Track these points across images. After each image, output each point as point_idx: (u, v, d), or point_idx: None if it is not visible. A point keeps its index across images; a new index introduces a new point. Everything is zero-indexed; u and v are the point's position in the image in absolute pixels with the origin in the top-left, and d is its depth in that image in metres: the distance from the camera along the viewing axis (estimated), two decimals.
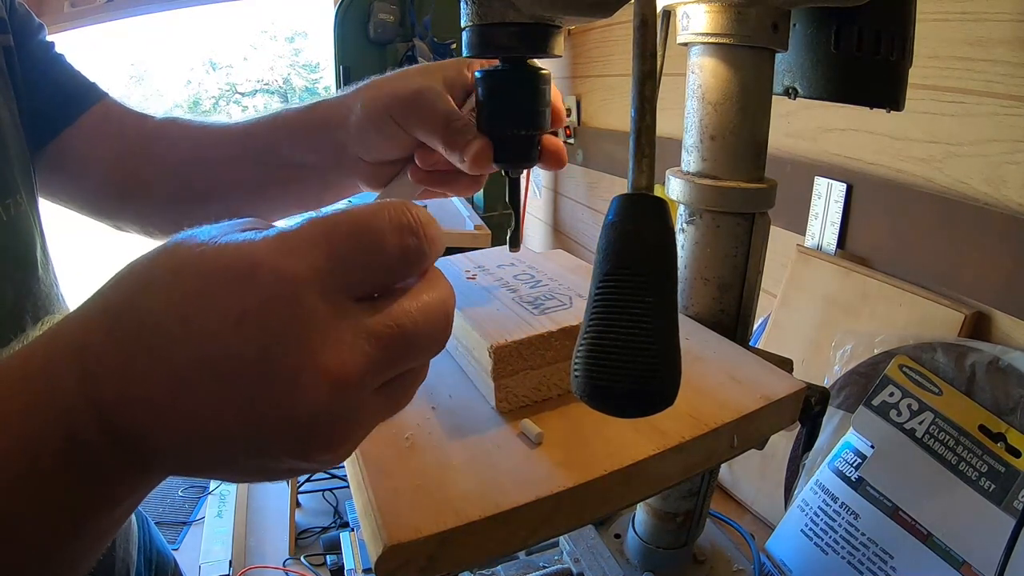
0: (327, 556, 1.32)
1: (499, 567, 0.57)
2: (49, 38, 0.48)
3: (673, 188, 0.44)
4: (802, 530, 0.58)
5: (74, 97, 0.48)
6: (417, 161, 0.41)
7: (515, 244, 0.44)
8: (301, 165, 0.45)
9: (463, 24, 0.36)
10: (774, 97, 0.42)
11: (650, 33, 0.24)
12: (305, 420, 0.19)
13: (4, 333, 0.37)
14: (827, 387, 0.49)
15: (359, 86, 0.43)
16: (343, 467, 0.30)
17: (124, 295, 0.20)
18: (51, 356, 0.19)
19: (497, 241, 1.45)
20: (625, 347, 0.22)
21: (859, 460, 0.56)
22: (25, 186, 0.41)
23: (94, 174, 0.48)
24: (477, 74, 0.37)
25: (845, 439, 0.58)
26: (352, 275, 0.20)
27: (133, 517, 0.52)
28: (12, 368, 0.19)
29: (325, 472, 1.72)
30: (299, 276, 0.19)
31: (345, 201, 0.47)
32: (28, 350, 0.20)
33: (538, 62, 0.37)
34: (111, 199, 0.50)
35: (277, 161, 0.46)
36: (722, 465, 0.61)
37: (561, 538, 0.58)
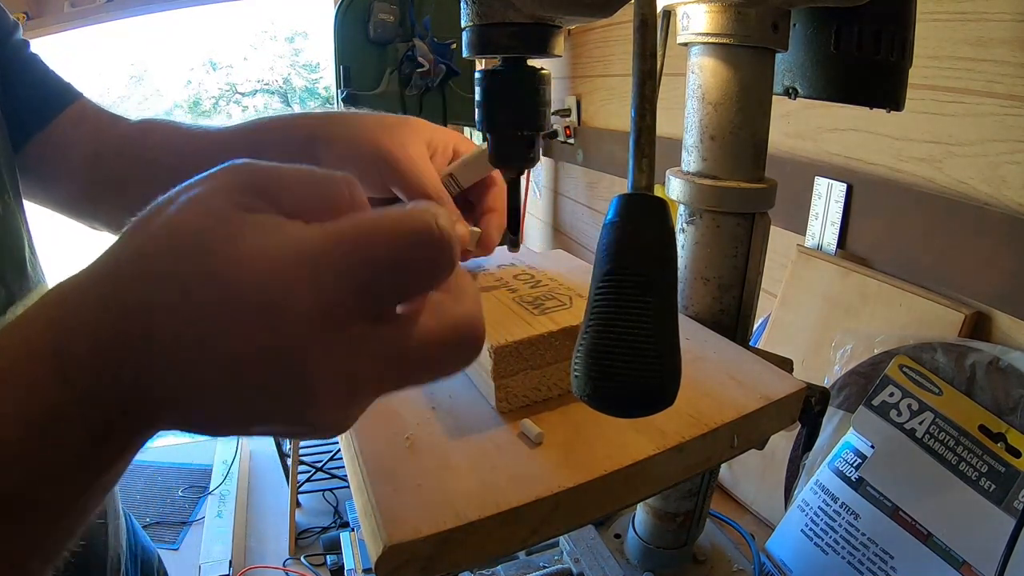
0: (327, 556, 1.32)
1: (499, 567, 0.57)
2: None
3: (673, 188, 0.44)
4: (802, 530, 0.58)
5: (50, 98, 0.47)
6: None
7: (515, 244, 0.44)
8: None
9: (463, 24, 0.36)
10: (774, 97, 0.42)
11: (650, 33, 0.24)
12: (315, 424, 0.20)
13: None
14: (827, 387, 0.49)
15: (346, 115, 0.43)
16: (343, 467, 0.30)
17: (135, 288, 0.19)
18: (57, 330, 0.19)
19: None
20: (625, 347, 0.22)
21: (859, 460, 0.56)
22: (12, 185, 0.41)
23: (70, 174, 0.48)
24: (477, 74, 0.37)
25: (845, 439, 0.58)
26: (378, 294, 0.19)
27: (121, 513, 0.52)
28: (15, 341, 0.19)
29: (325, 472, 1.72)
30: (328, 305, 0.18)
31: None
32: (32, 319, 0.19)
33: (538, 62, 0.37)
34: (86, 198, 0.49)
35: None
36: (722, 465, 0.61)
37: (561, 538, 0.58)
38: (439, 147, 0.43)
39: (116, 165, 0.48)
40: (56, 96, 0.48)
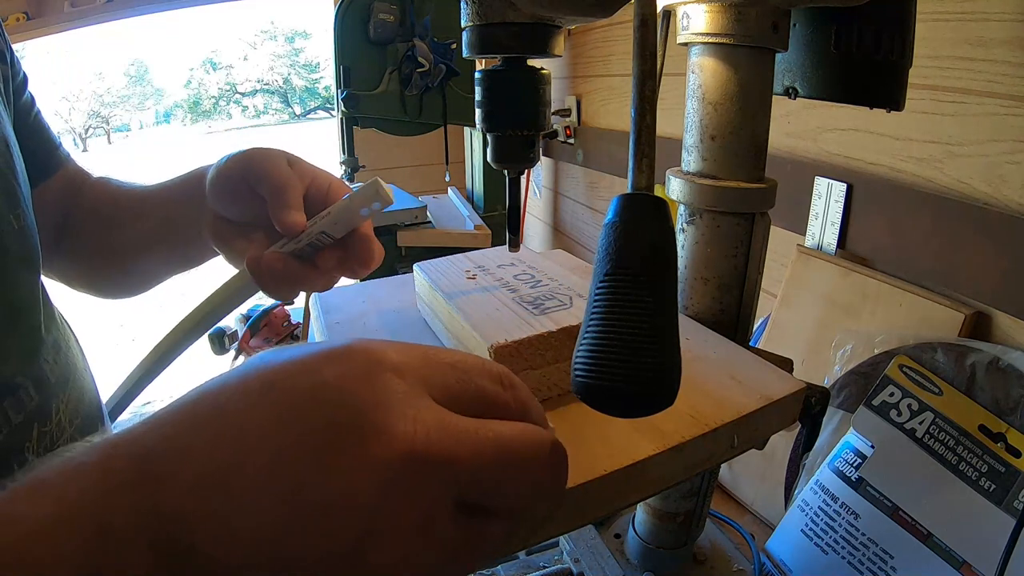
0: None
1: (499, 567, 0.57)
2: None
3: (673, 188, 0.44)
4: (802, 530, 0.58)
5: (47, 158, 0.52)
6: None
7: (515, 244, 0.44)
8: (182, 217, 0.48)
9: (463, 24, 0.36)
10: (774, 97, 0.42)
11: (650, 33, 0.24)
12: (371, 496, 0.17)
13: (19, 322, 0.40)
14: (827, 387, 0.49)
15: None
16: None
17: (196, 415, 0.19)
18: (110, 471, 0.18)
19: (497, 241, 1.45)
20: (625, 347, 0.22)
21: (859, 460, 0.56)
22: (27, 200, 0.43)
23: (44, 227, 0.50)
24: (477, 74, 0.37)
25: (845, 439, 0.58)
26: (441, 378, 0.21)
27: None
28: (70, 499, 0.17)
29: None
30: (386, 357, 0.20)
31: None
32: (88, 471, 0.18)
33: (538, 62, 0.37)
34: (49, 247, 0.52)
35: (166, 217, 0.50)
36: (722, 465, 0.61)
37: (561, 538, 0.58)
38: (299, 167, 0.42)
39: (76, 217, 0.53)
40: (50, 155, 0.52)
